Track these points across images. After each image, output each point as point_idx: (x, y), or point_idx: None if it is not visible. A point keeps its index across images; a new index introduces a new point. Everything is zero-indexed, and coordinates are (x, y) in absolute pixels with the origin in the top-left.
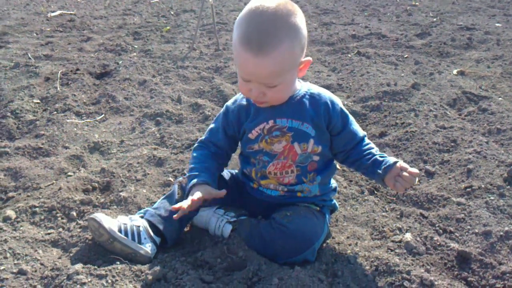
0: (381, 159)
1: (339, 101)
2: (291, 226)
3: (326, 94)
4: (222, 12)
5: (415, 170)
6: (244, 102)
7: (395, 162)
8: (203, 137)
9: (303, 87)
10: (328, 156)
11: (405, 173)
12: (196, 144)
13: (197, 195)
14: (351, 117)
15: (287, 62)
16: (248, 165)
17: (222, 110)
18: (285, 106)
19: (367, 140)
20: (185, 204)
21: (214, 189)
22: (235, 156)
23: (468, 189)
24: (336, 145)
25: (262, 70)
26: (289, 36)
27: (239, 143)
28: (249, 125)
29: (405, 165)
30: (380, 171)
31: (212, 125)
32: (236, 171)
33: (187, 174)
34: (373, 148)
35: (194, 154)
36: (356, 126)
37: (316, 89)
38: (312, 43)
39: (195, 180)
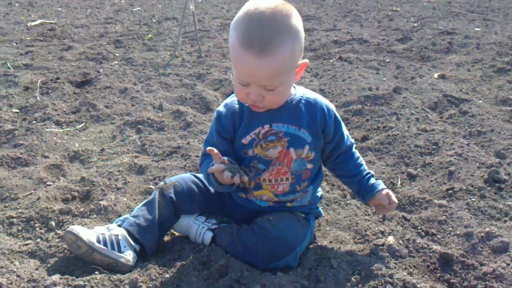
0: (369, 183)
1: (333, 108)
2: (273, 231)
3: (322, 100)
4: (204, 20)
5: (395, 200)
6: (236, 105)
7: (382, 190)
8: (202, 152)
9: (297, 91)
10: (318, 163)
11: (387, 206)
12: (200, 162)
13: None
14: (343, 124)
15: (288, 63)
16: None
17: (214, 118)
18: (281, 111)
19: (356, 153)
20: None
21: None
22: None
23: (449, 191)
24: (325, 150)
25: (263, 71)
26: (290, 36)
27: None
28: (243, 130)
29: (390, 193)
30: (366, 199)
31: (206, 136)
32: None
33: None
34: (362, 165)
35: (202, 165)
36: (346, 133)
37: (311, 94)
38: None
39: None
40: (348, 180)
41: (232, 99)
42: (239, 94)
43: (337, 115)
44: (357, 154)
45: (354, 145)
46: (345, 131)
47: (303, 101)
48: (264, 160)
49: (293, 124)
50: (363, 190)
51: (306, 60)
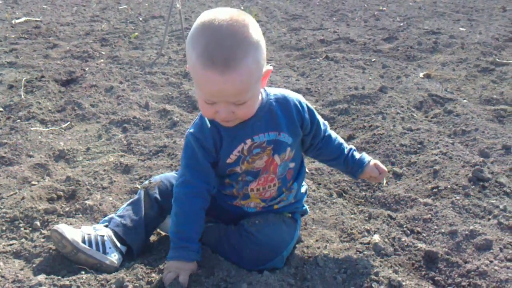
0: (354, 160)
1: (303, 99)
2: (259, 235)
3: (291, 95)
4: (191, 18)
5: (384, 168)
6: (209, 126)
7: (369, 162)
8: (182, 178)
9: (263, 93)
10: (300, 157)
11: (379, 176)
12: (178, 190)
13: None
14: (315, 111)
15: (255, 75)
16: (225, 187)
17: (190, 142)
18: (257, 120)
19: (333, 133)
20: None
21: (195, 267)
22: None
23: (434, 190)
24: (305, 142)
25: (231, 88)
26: (252, 47)
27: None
28: (226, 150)
29: (377, 162)
30: (356, 176)
31: (185, 163)
32: None
33: (174, 233)
34: (342, 144)
35: (179, 208)
36: (319, 118)
37: (277, 91)
38: (281, 48)
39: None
40: (334, 163)
41: (202, 121)
42: (207, 114)
43: (309, 104)
44: (334, 134)
45: (328, 126)
46: (319, 117)
47: (273, 102)
48: (252, 172)
49: (273, 130)
50: (351, 169)
51: (270, 67)
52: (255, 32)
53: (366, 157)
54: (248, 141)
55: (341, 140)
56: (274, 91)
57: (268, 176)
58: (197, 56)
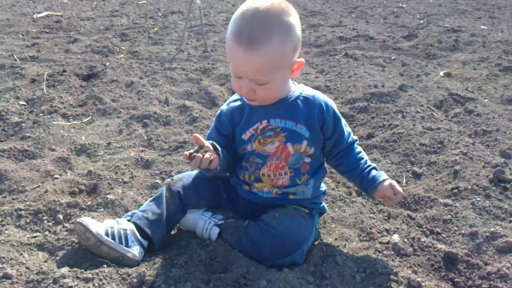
0: (370, 176)
1: (333, 104)
2: (279, 228)
3: (321, 96)
4: (210, 14)
5: (400, 189)
6: (237, 103)
7: (384, 181)
8: None
9: (297, 89)
10: (320, 159)
11: (393, 197)
12: None
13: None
14: (343, 121)
15: (276, 60)
16: (241, 169)
17: (217, 113)
18: (279, 107)
19: (358, 148)
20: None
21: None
22: None
23: (454, 190)
24: (326, 147)
25: (250, 66)
26: (279, 33)
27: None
28: (243, 126)
29: (393, 182)
30: (369, 193)
31: (208, 132)
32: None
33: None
34: (363, 158)
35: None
36: (346, 129)
37: (310, 91)
38: None
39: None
40: (350, 175)
41: (235, 97)
42: (235, 87)
43: (337, 111)
44: (359, 149)
45: (357, 142)
46: (346, 128)
47: (301, 97)
48: (261, 155)
49: (290, 120)
50: (365, 184)
51: (302, 60)
52: (290, 21)
53: (383, 175)
54: (264, 122)
55: (364, 157)
56: (308, 90)
57: (279, 163)
58: (230, 31)
